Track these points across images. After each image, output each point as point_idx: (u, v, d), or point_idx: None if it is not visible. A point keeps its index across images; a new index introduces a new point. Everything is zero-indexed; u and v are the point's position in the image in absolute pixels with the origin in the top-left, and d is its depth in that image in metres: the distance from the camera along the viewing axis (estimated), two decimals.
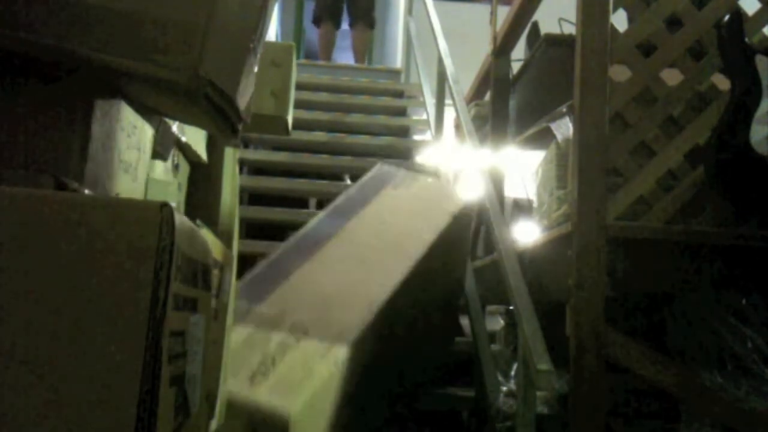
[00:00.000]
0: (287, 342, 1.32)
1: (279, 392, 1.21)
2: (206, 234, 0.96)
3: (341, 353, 1.29)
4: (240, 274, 1.41)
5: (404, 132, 4.58)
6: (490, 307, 2.81)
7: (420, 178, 2.27)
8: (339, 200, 1.94)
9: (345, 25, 5.49)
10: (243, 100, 0.83)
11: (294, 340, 1.32)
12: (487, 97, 3.17)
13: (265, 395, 1.19)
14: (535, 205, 2.33)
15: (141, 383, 0.58)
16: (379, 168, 2.17)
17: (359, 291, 1.56)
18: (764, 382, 1.71)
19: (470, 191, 2.90)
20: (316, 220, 1.82)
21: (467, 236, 2.14)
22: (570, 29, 2.27)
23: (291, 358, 1.27)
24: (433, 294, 1.90)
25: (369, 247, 1.75)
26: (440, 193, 2.29)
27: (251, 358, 1.27)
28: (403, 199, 2.03)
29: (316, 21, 5.39)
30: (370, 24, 5.48)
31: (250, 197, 3.68)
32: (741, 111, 1.63)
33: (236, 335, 1.29)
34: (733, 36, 1.67)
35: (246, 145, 3.82)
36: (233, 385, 1.18)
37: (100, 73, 0.75)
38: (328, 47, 5.39)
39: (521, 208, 2.89)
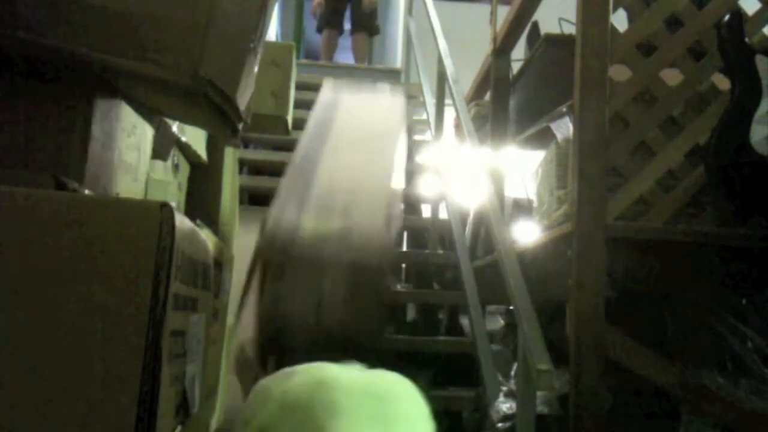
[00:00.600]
0: (351, 199, 1.79)
1: (369, 222, 1.70)
2: (206, 234, 0.96)
3: (386, 201, 1.82)
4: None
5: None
6: (490, 307, 2.81)
7: (364, 90, 2.78)
8: (313, 119, 2.31)
9: (347, 25, 5.53)
10: (243, 100, 0.83)
11: (353, 197, 1.80)
12: (487, 97, 3.17)
13: (364, 222, 1.69)
14: (535, 205, 2.33)
15: (141, 383, 0.59)
16: (329, 84, 2.59)
17: (375, 171, 2.05)
18: (764, 382, 1.71)
19: (470, 191, 2.90)
20: (306, 135, 2.21)
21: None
22: (570, 29, 2.27)
23: (359, 208, 1.76)
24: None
25: (361, 139, 2.25)
26: (389, 94, 2.82)
27: (333, 209, 1.73)
28: (360, 102, 2.53)
29: (319, 30, 5.47)
30: (372, 32, 5.54)
31: (250, 197, 3.68)
32: (741, 111, 1.63)
33: (311, 203, 1.75)
34: (733, 36, 1.67)
35: (246, 145, 3.82)
36: (334, 222, 1.68)
37: (100, 73, 0.75)
38: (330, 50, 5.44)
39: (521, 208, 2.89)
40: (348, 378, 1.11)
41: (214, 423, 1.21)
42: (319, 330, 1.55)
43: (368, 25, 5.42)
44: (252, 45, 0.83)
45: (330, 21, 5.36)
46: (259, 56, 0.90)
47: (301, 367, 1.13)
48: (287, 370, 1.12)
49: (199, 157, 1.32)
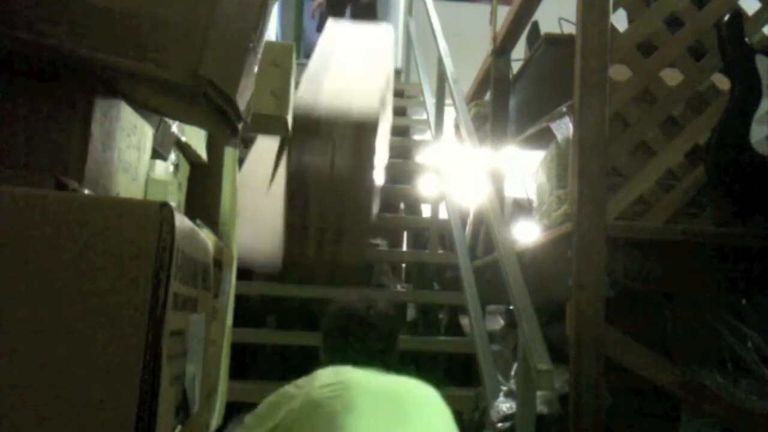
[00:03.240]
0: (350, 92, 2.66)
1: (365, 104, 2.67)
2: (206, 234, 0.96)
3: (377, 96, 2.76)
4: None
5: (404, 131, 4.58)
6: (490, 307, 2.81)
7: (356, 25, 3.95)
8: (316, 56, 3.31)
9: None
10: (243, 100, 0.83)
11: (352, 92, 2.70)
12: (487, 97, 3.17)
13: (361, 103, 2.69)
14: (535, 205, 2.33)
15: (141, 383, 0.58)
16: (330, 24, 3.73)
17: (371, 78, 2.98)
18: (764, 382, 1.71)
19: (470, 191, 2.90)
20: (311, 66, 3.10)
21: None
22: (570, 29, 2.27)
23: (356, 94, 2.70)
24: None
25: (357, 65, 3.07)
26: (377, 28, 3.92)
27: (338, 104, 2.64)
28: (356, 37, 3.59)
29: (319, 30, 5.49)
30: None
31: None
32: (741, 111, 1.63)
33: (322, 100, 2.60)
34: (733, 36, 1.67)
35: (246, 145, 3.82)
36: (335, 109, 2.62)
37: (100, 73, 0.75)
38: None
39: (521, 208, 2.89)
40: (369, 381, 1.12)
41: (214, 423, 1.21)
42: (333, 174, 2.39)
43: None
44: (252, 45, 0.83)
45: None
46: (259, 56, 0.90)
47: (323, 370, 1.15)
48: (308, 376, 1.14)
49: (199, 157, 1.32)
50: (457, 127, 3.48)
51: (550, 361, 1.55)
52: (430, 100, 4.02)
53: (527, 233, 2.39)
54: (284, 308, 3.02)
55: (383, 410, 1.07)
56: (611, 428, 1.61)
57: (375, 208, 2.97)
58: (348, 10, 5.44)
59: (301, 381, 1.14)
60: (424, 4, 4.09)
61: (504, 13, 2.89)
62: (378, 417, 1.05)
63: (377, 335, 1.30)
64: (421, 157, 4.10)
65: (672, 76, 1.80)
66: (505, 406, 1.97)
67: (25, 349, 0.58)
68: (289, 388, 1.14)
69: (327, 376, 1.13)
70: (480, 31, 3.82)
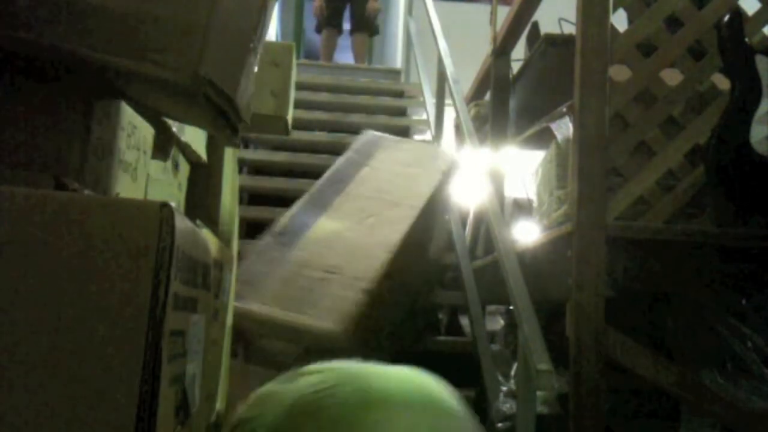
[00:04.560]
0: (325, 277, 1.67)
1: (325, 317, 1.58)
2: (206, 234, 0.96)
3: (366, 284, 1.68)
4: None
5: (404, 132, 4.58)
6: (490, 307, 2.81)
7: (407, 141, 2.69)
8: (337, 164, 2.22)
9: (347, 26, 5.54)
10: (243, 100, 0.83)
11: (328, 275, 1.69)
12: (487, 97, 3.17)
13: (316, 320, 1.58)
14: (535, 205, 2.33)
15: (141, 383, 0.58)
16: (368, 135, 2.49)
17: (375, 239, 1.90)
18: (764, 382, 1.71)
19: (470, 191, 2.90)
20: (321, 182, 2.08)
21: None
22: (570, 29, 2.27)
23: (329, 290, 1.64)
24: (430, 233, 2.36)
25: (374, 201, 2.07)
26: (429, 152, 2.61)
27: (296, 292, 1.62)
28: (395, 159, 2.34)
29: (318, 29, 5.47)
30: (372, 32, 5.55)
31: (250, 197, 3.67)
32: (741, 111, 1.63)
33: (279, 274, 1.65)
34: (733, 36, 1.67)
35: (246, 145, 3.82)
36: (285, 314, 1.57)
37: (100, 73, 0.75)
38: (329, 50, 5.44)
39: (521, 208, 2.89)
40: (370, 376, 0.97)
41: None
42: None
43: (368, 25, 5.43)
44: (252, 45, 0.83)
45: (330, 21, 5.36)
46: (259, 56, 0.90)
47: (309, 367, 1.01)
48: (294, 372, 1.00)
49: (199, 157, 1.32)
50: (457, 127, 3.48)
51: (550, 361, 1.55)
52: (430, 101, 4.02)
53: (527, 233, 2.39)
54: None
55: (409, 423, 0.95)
56: (611, 428, 1.61)
57: None
58: (348, 13, 5.42)
59: (286, 381, 1.00)
60: (424, 4, 4.09)
61: (504, 13, 2.89)
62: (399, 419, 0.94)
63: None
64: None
65: (672, 76, 1.80)
66: (505, 406, 1.97)
67: (24, 350, 0.58)
68: (272, 390, 1.00)
69: (316, 371, 0.99)
70: (480, 31, 3.82)
